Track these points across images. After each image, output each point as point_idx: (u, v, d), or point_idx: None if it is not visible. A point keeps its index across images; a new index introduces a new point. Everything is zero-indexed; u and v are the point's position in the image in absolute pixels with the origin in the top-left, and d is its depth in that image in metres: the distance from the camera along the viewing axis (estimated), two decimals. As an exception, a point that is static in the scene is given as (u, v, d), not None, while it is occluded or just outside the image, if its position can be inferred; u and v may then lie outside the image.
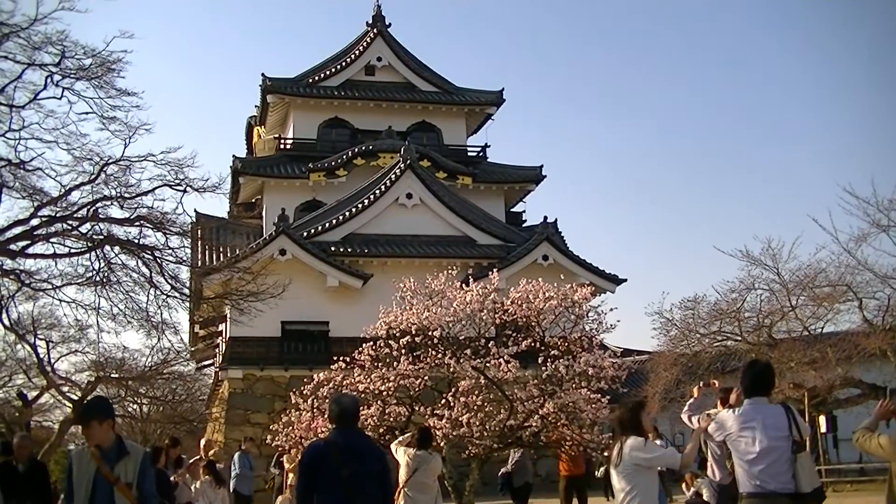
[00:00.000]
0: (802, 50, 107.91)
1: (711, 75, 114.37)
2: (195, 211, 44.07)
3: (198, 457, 18.31)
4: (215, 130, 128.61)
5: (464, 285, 21.28)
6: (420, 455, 12.69)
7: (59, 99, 20.55)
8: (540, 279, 20.80)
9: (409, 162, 43.75)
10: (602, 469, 28.51)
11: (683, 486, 17.88)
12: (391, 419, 19.51)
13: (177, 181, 21.52)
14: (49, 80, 20.17)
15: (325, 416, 16.26)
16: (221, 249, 42.43)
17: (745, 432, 7.65)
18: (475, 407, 18.94)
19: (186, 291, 22.83)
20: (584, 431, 19.47)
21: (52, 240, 20.92)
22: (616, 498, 8.20)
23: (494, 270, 25.07)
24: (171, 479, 14.90)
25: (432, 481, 12.92)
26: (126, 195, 21.35)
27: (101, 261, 20.96)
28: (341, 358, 20.80)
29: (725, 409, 10.01)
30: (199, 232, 41.66)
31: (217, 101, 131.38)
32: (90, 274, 21.24)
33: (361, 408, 10.71)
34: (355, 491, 7.61)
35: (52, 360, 32.79)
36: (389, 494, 7.99)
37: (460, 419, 18.81)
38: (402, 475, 12.79)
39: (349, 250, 42.16)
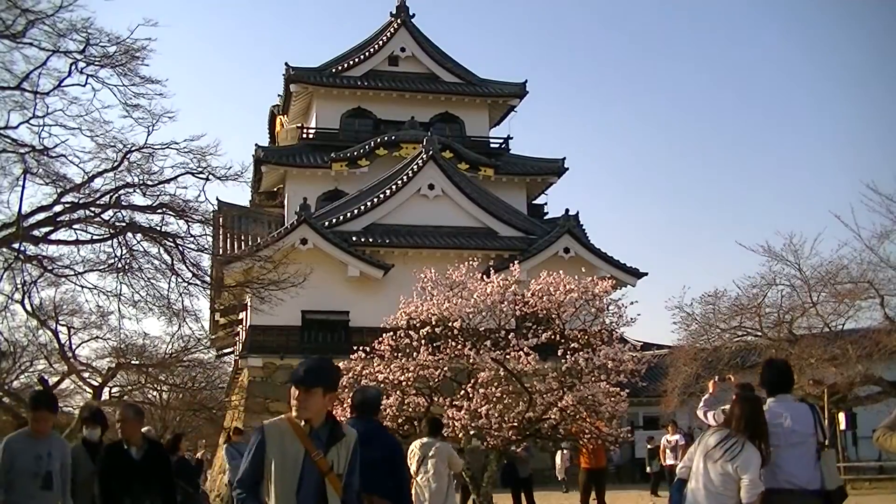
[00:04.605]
0: (827, 43, 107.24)
1: (735, 70, 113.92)
2: (217, 199, 44.37)
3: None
4: (238, 119, 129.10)
5: (485, 277, 21.25)
6: (427, 442, 12.61)
7: (84, 86, 20.49)
8: (561, 272, 20.80)
9: (431, 153, 43.73)
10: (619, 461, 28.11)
11: None
12: (410, 409, 19.50)
13: (199, 169, 21.50)
14: (73, 67, 20.12)
15: (344, 406, 16.28)
16: (243, 238, 42.54)
17: (772, 428, 7.58)
18: (494, 398, 18.95)
19: (207, 279, 22.83)
20: (603, 424, 19.45)
21: (75, 226, 20.95)
22: (693, 481, 7.68)
23: (515, 262, 24.95)
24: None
25: (443, 468, 12.82)
26: (148, 182, 21.35)
27: (123, 248, 20.99)
28: (361, 348, 20.81)
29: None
30: (220, 220, 41.71)
31: (240, 89, 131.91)
32: (112, 261, 21.27)
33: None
34: (364, 477, 7.66)
35: (74, 346, 32.92)
36: (404, 481, 7.85)
37: (479, 410, 18.81)
38: (412, 464, 12.74)
39: (370, 240, 42.20)
